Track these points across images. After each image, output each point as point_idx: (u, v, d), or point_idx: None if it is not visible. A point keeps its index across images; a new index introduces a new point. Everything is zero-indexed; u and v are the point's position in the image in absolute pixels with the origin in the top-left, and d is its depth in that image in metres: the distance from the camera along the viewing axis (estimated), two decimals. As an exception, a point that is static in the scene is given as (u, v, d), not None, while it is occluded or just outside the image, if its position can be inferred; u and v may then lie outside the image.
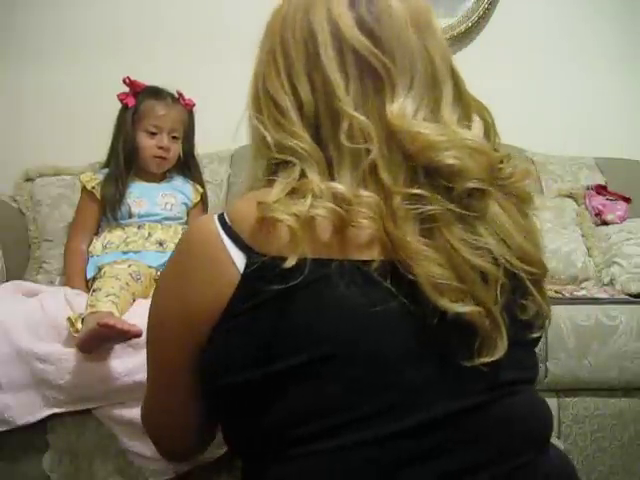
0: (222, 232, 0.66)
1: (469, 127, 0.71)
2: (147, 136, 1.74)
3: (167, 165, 1.79)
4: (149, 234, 1.69)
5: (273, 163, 0.69)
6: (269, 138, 0.69)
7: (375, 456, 0.63)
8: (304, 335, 0.63)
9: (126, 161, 1.73)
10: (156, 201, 1.75)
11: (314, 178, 0.65)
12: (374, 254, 0.64)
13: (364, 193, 0.64)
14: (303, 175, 0.66)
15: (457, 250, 0.64)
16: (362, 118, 0.66)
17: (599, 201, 2.15)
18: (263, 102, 0.71)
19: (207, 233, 0.67)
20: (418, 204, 0.64)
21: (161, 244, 1.68)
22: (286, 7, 0.71)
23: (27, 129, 2.28)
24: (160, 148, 1.74)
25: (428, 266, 0.63)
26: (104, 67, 2.24)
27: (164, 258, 1.65)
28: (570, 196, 2.14)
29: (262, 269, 0.63)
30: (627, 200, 2.16)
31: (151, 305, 0.75)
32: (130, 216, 1.71)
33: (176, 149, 1.79)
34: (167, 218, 1.75)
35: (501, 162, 0.70)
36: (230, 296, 0.65)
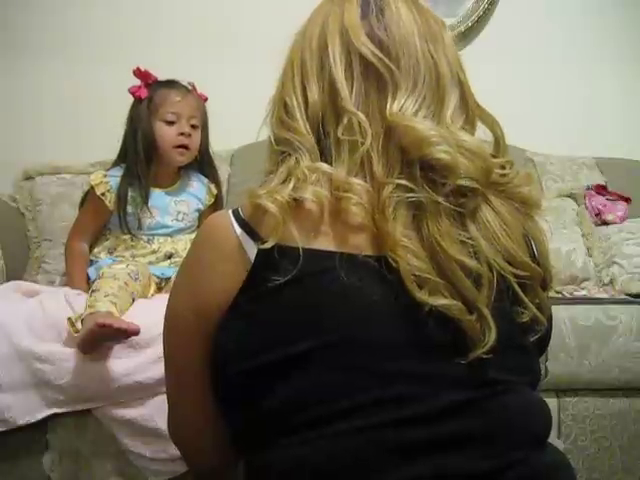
0: (235, 224, 0.69)
1: (472, 133, 0.74)
2: (166, 125, 1.63)
3: (190, 156, 1.68)
4: (158, 249, 1.65)
5: (279, 157, 0.73)
6: (272, 135, 0.75)
7: (369, 445, 0.64)
8: (306, 324, 0.66)
9: (146, 157, 1.62)
10: (168, 210, 1.68)
11: (302, 163, 0.69)
12: (367, 245, 0.67)
13: (355, 181, 0.68)
14: (297, 163, 0.70)
15: (440, 244, 0.66)
16: (360, 114, 0.70)
17: (599, 201, 2.15)
18: (276, 105, 0.76)
19: (220, 225, 0.71)
20: (407, 194, 0.67)
21: (169, 257, 1.64)
22: (306, 24, 0.79)
23: (27, 128, 2.27)
24: (181, 134, 1.63)
25: (408, 258, 0.65)
26: (104, 66, 2.23)
27: (170, 272, 1.62)
28: (570, 196, 2.14)
29: (267, 259, 0.66)
30: (627, 200, 2.16)
31: (168, 299, 0.77)
32: (139, 227, 1.64)
33: (197, 138, 1.67)
34: (178, 231, 1.69)
35: (502, 168, 0.72)
36: (240, 285, 0.68)
